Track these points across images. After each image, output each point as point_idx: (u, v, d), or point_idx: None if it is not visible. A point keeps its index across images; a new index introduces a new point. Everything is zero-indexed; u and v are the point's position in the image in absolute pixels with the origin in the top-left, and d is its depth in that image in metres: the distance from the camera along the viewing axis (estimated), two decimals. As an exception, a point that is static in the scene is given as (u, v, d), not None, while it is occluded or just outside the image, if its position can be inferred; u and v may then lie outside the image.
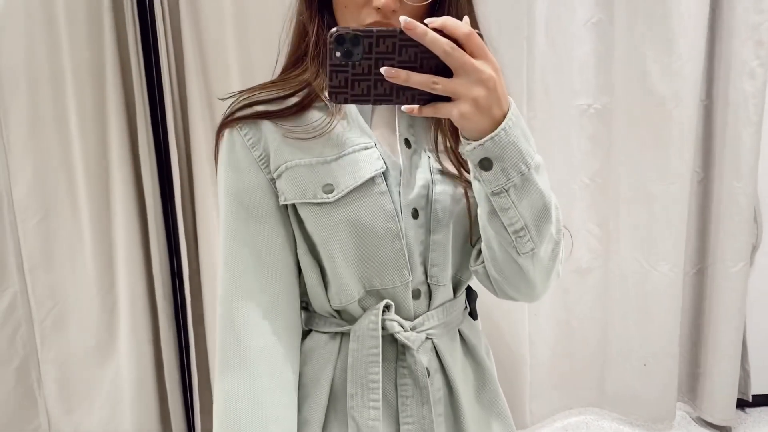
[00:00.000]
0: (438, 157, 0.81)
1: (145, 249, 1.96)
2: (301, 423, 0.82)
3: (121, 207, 1.89)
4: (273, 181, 0.80)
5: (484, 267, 0.80)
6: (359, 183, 0.77)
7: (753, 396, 2.32)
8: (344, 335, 0.83)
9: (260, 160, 0.80)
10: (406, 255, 0.79)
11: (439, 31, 0.59)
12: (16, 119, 1.82)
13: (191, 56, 1.82)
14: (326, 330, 0.85)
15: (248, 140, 0.80)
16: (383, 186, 0.78)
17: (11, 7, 1.75)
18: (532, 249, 0.72)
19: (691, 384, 2.29)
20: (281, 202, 0.80)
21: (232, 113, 0.82)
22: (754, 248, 2.18)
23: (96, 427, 2.05)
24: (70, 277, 1.95)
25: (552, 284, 0.80)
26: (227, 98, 0.84)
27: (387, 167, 0.78)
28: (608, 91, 2.03)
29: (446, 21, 0.59)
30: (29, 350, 1.98)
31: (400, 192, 0.79)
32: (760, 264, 2.23)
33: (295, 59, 0.84)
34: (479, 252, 0.80)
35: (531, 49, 1.91)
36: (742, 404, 2.31)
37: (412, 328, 0.83)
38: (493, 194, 0.67)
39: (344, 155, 0.78)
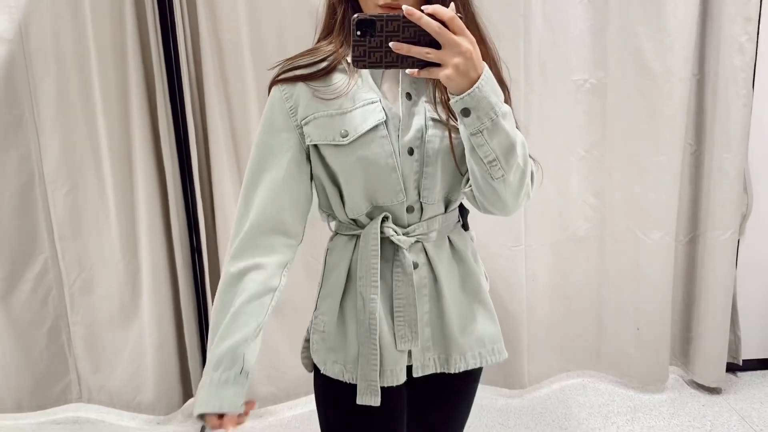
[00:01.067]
0: (436, 107, 1.04)
1: (166, 218, 2.07)
2: (325, 295, 1.13)
3: (142, 179, 2.00)
4: (299, 127, 1.05)
5: (471, 190, 1.03)
6: (366, 129, 1.02)
7: (744, 360, 2.41)
8: (358, 237, 1.11)
9: (290, 110, 1.06)
10: (402, 182, 1.05)
11: (432, 15, 0.83)
12: (45, 97, 1.94)
13: (206, 36, 1.93)
14: (346, 233, 1.13)
15: (284, 95, 1.06)
16: (384, 131, 1.03)
17: (39, -8, 1.86)
18: (503, 175, 0.94)
19: (684, 348, 2.39)
20: (307, 143, 1.05)
21: (277, 75, 1.07)
22: (744, 217, 2.27)
23: (121, 384, 2.19)
24: (96, 244, 2.08)
25: (522, 203, 1.03)
26: (275, 67, 1.09)
27: (387, 117, 1.03)
28: (603, 66, 2.11)
29: (436, 8, 0.83)
30: (59, 312, 2.12)
31: (399, 135, 1.04)
32: (751, 233, 2.32)
33: (327, 33, 1.09)
34: (467, 179, 1.03)
35: (527, 26, 1.99)
36: (733, 368, 2.41)
37: (405, 234, 1.09)
38: (472, 134, 0.90)
39: (356, 108, 1.03)
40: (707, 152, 2.16)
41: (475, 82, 0.86)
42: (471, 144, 0.92)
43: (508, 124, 0.91)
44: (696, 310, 2.30)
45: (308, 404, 2.29)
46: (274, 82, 1.08)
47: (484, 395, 2.32)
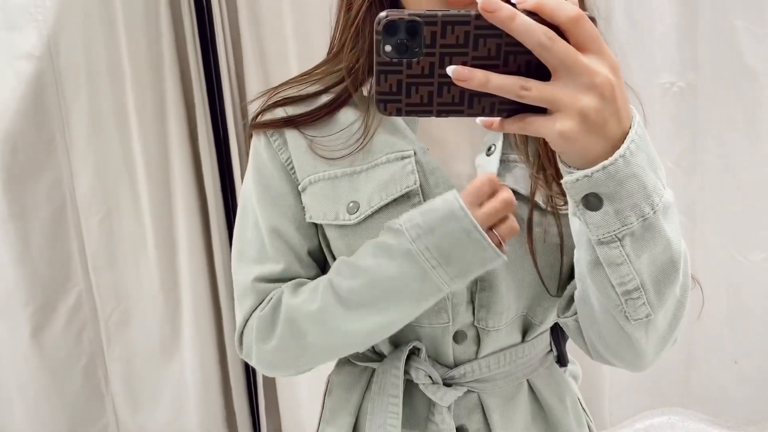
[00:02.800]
0: (539, 176, 0.65)
1: (208, 247, 1.96)
2: None
3: (182, 204, 1.89)
4: (299, 190, 0.72)
5: (577, 321, 0.64)
6: (386, 201, 0.66)
7: None
8: (373, 372, 0.74)
9: (288, 164, 0.72)
10: (447, 295, 0.65)
11: (533, 14, 0.43)
12: (77, 117, 1.83)
13: (249, 49, 1.81)
14: (357, 362, 0.77)
15: (275, 143, 0.73)
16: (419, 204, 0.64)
17: (69, 7, 1.75)
18: (647, 315, 0.55)
19: (789, 383, 2.14)
20: (307, 220, 0.72)
21: (256, 116, 0.73)
22: None
23: (162, 425, 2.07)
24: (133, 275, 1.96)
25: (665, 353, 0.63)
26: (257, 98, 0.74)
27: (424, 182, 0.65)
28: (693, 67, 1.93)
29: (543, 1, 0.43)
30: (95, 348, 2.01)
31: None
32: None
33: (341, 44, 0.73)
34: (569, 301, 0.65)
35: (609, 24, 1.84)
36: None
37: (448, 379, 0.71)
38: (601, 243, 0.51)
39: (376, 165, 0.67)
40: (815, 162, 1.93)
41: (617, 146, 0.46)
42: (596, 256, 0.53)
43: (669, 227, 0.52)
44: (802, 339, 2.06)
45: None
46: (254, 125, 0.73)
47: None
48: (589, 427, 0.80)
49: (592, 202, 0.48)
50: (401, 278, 0.60)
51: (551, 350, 0.77)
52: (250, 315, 0.73)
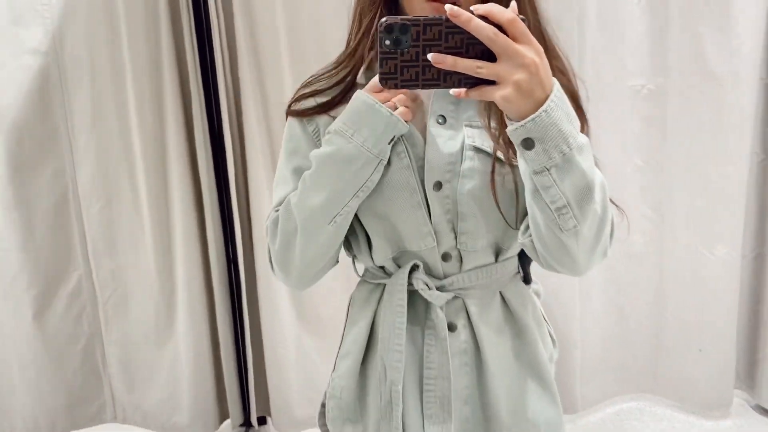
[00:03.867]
0: (498, 138, 0.83)
1: (202, 235, 2.02)
2: (343, 354, 0.98)
3: (178, 194, 1.95)
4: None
5: (531, 241, 0.83)
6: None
7: (816, 384, 2.25)
8: (384, 287, 0.94)
9: (314, 134, 0.92)
10: (430, 223, 0.87)
11: (484, 17, 0.63)
12: (80, 110, 1.90)
13: (244, 46, 1.87)
14: (371, 281, 0.97)
15: (308, 122, 0.92)
16: (406, 160, 0.86)
17: (73, 4, 1.83)
18: (575, 226, 0.74)
19: (750, 371, 2.24)
20: None
21: (290, 105, 0.94)
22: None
23: (156, 404, 2.14)
24: (131, 261, 2.03)
25: (597, 261, 0.82)
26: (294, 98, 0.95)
27: (405, 142, 0.86)
28: (663, 71, 1.99)
29: (491, 8, 0.63)
30: (94, 330, 2.08)
31: (424, 167, 0.86)
32: (823, 248, 2.16)
33: (357, 43, 0.90)
34: (527, 226, 0.83)
35: (582, 29, 1.89)
36: (803, 392, 2.25)
37: (440, 287, 0.91)
38: (536, 173, 0.70)
39: None
40: (777, 162, 2.02)
41: (542, 104, 0.66)
42: (534, 185, 0.72)
43: (584, 161, 0.71)
44: (763, 330, 2.16)
45: None
46: (291, 113, 0.94)
47: (533, 419, 2.21)
48: (549, 333, 1.01)
49: (527, 143, 0.68)
50: (336, 152, 0.82)
51: (519, 272, 0.97)
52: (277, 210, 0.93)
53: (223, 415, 2.18)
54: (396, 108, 0.82)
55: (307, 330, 2.11)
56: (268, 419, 2.25)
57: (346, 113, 0.83)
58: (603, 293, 2.16)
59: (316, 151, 0.86)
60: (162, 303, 2.06)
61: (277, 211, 0.92)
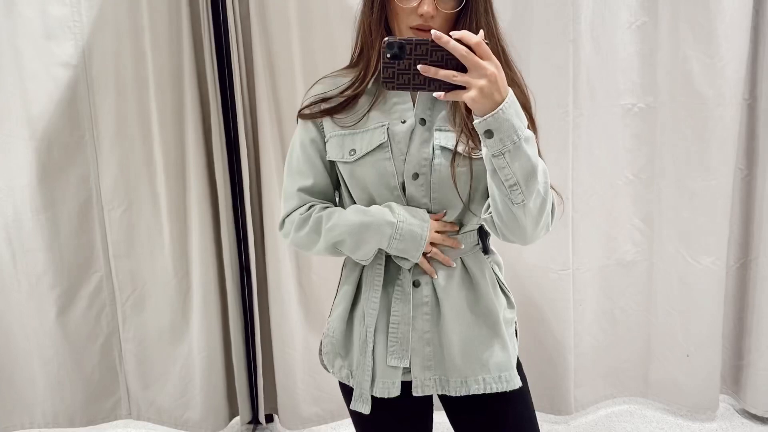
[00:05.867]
0: (460, 136, 1.07)
1: (217, 240, 2.11)
2: (337, 303, 1.22)
3: (195, 201, 2.05)
4: (325, 142, 1.16)
5: (491, 216, 1.05)
6: (370, 149, 1.10)
7: (798, 389, 2.34)
8: None
9: (321, 130, 1.17)
10: (405, 203, 1.12)
11: (459, 40, 0.86)
12: (105, 120, 2.01)
13: (260, 63, 1.98)
14: None
15: (317, 123, 1.17)
16: (388, 153, 1.10)
17: (102, 21, 1.94)
18: (523, 200, 0.96)
19: (735, 376, 2.33)
20: (327, 158, 1.16)
21: (303, 108, 1.18)
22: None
23: (169, 401, 2.22)
24: (149, 263, 2.12)
25: (541, 233, 1.05)
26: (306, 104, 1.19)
27: (391, 140, 1.10)
28: (652, 91, 2.10)
29: (463, 34, 0.87)
30: (112, 329, 2.17)
31: (405, 159, 1.10)
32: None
33: (359, 54, 1.16)
34: (488, 206, 1.06)
35: (576, 50, 2.00)
36: (786, 397, 2.34)
37: None
38: (494, 156, 0.92)
39: (367, 130, 1.11)
40: (759, 177, 2.13)
41: (499, 105, 0.88)
42: (493, 166, 0.94)
43: (530, 149, 0.93)
44: (748, 337, 2.26)
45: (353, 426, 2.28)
46: (302, 116, 1.18)
47: (529, 420, 2.29)
48: (506, 296, 1.21)
49: (488, 134, 0.91)
50: (377, 233, 1.10)
51: (478, 243, 1.18)
52: (292, 212, 1.18)
53: (233, 413, 2.27)
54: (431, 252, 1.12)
55: (313, 332, 2.20)
56: (275, 417, 2.33)
57: (403, 233, 1.09)
58: (595, 301, 2.26)
59: (356, 218, 1.12)
60: (177, 304, 2.15)
61: (301, 210, 1.18)
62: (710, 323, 2.20)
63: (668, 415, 2.33)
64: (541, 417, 2.31)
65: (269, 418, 2.34)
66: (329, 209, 1.16)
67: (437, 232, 1.11)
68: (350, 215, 1.12)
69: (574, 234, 2.15)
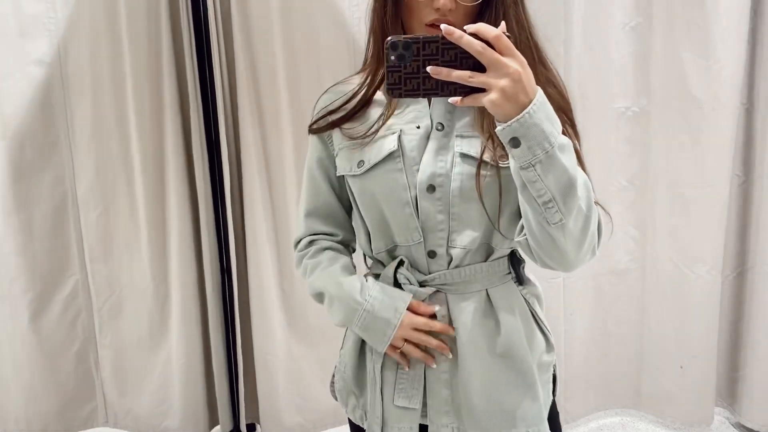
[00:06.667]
0: (487, 143, 0.93)
1: (197, 243, 2.06)
2: (349, 334, 1.10)
3: (174, 204, 2.00)
4: (334, 157, 1.07)
5: (525, 239, 0.90)
6: (378, 160, 0.97)
7: (795, 403, 2.29)
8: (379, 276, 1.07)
9: (330, 145, 1.07)
10: (417, 220, 0.97)
11: (474, 35, 0.73)
12: (81, 120, 1.95)
13: (242, 61, 1.93)
14: (374, 271, 1.09)
15: (326, 137, 1.08)
16: (400, 164, 0.97)
17: (78, 18, 1.88)
18: (561, 220, 0.81)
19: (730, 388, 2.28)
20: (337, 173, 1.06)
21: (311, 124, 1.09)
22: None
23: (147, 409, 2.16)
24: (126, 268, 2.07)
25: (586, 258, 0.90)
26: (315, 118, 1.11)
27: (402, 149, 0.96)
28: (646, 94, 2.05)
29: (479, 27, 0.73)
30: (88, 335, 2.11)
31: (418, 170, 0.96)
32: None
33: (372, 54, 1.03)
34: (521, 227, 0.91)
35: (568, 51, 1.95)
36: (783, 411, 2.28)
37: (423, 282, 1.01)
38: (522, 168, 0.78)
39: (377, 138, 0.98)
40: (756, 184, 2.07)
41: (525, 108, 0.74)
42: (522, 180, 0.80)
43: (566, 159, 0.78)
44: (743, 348, 2.20)
45: (336, 436, 2.23)
46: (312, 131, 1.09)
47: (517, 432, 2.24)
48: (544, 334, 1.07)
49: (514, 142, 0.76)
50: (342, 308, 1.03)
51: (510, 272, 1.04)
52: (300, 240, 1.15)
53: (213, 421, 2.21)
54: (401, 348, 1.00)
55: (296, 339, 2.15)
56: (257, 426, 2.28)
57: (373, 314, 1.00)
58: (587, 310, 2.20)
59: (336, 291, 1.05)
60: (156, 309, 2.10)
61: (303, 243, 1.15)
62: (705, 334, 2.14)
63: (661, 427, 2.28)
64: (529, 429, 2.26)
65: (251, 428, 2.29)
66: (315, 259, 1.10)
67: (423, 313, 0.99)
68: (325, 279, 1.05)
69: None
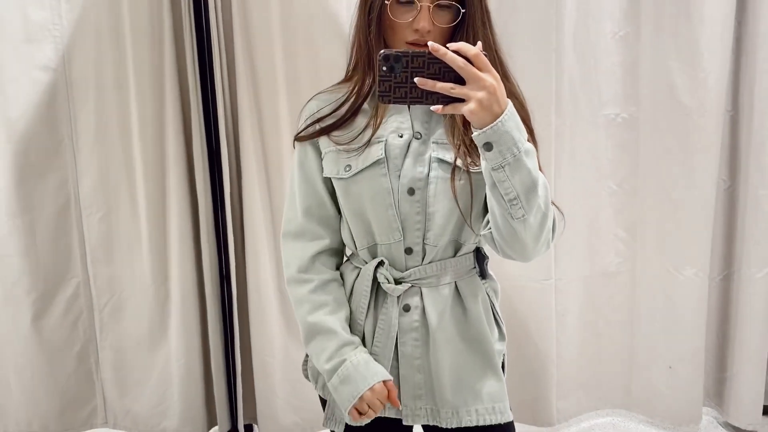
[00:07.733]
0: (459, 150, 1.04)
1: (197, 246, 2.09)
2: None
3: (175, 207, 2.03)
4: (321, 159, 1.13)
5: (490, 232, 1.02)
6: (366, 165, 1.07)
7: (781, 403, 2.34)
8: (361, 269, 1.16)
9: (316, 149, 1.14)
10: (398, 221, 1.08)
11: (457, 52, 0.84)
12: (84, 124, 1.99)
13: (242, 67, 1.97)
14: (354, 263, 1.19)
15: (313, 142, 1.15)
16: (384, 169, 1.07)
17: (83, 24, 1.92)
18: (523, 215, 0.93)
19: (718, 388, 2.32)
20: (324, 175, 1.13)
21: (299, 132, 1.16)
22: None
23: (146, 409, 2.19)
24: (127, 269, 2.10)
25: (542, 250, 1.02)
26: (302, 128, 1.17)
27: (387, 155, 1.07)
28: (635, 101, 2.10)
29: (461, 45, 0.85)
30: (89, 336, 2.14)
31: (399, 175, 1.07)
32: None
33: (354, 68, 1.15)
34: (487, 221, 1.03)
35: (560, 60, 2.00)
36: (770, 410, 2.33)
37: (399, 279, 1.11)
38: (494, 169, 0.90)
39: (363, 145, 1.08)
40: (741, 189, 2.13)
41: (498, 117, 0.86)
42: (492, 180, 0.92)
43: (530, 162, 0.91)
44: (731, 349, 2.25)
45: (332, 436, 2.26)
46: (298, 139, 1.16)
47: None
48: (498, 325, 1.17)
49: (488, 146, 0.88)
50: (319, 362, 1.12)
51: (475, 267, 1.15)
52: (299, 241, 1.17)
53: (211, 422, 2.24)
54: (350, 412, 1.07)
55: (294, 341, 2.18)
56: (255, 426, 2.30)
57: (341, 380, 1.08)
58: (578, 311, 2.24)
59: (314, 346, 1.12)
60: (156, 311, 2.12)
61: (293, 268, 1.17)
62: (693, 335, 2.19)
63: (651, 427, 2.32)
64: (523, 428, 2.30)
65: (249, 428, 2.31)
66: (321, 298, 1.14)
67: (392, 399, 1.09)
68: (307, 322, 1.13)
69: (556, 244, 2.13)
